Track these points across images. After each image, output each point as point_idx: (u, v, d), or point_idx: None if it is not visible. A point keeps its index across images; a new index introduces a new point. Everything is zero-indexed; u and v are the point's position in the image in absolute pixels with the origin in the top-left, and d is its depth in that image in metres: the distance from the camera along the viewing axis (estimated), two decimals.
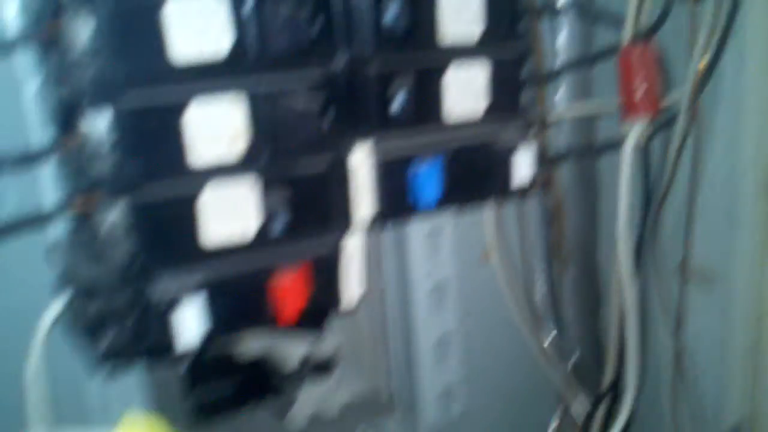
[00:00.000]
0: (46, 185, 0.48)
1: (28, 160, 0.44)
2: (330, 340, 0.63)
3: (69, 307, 0.46)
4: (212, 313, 0.43)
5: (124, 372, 0.47)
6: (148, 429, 0.40)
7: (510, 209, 0.69)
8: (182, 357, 0.47)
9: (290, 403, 0.63)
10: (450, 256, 0.64)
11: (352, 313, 0.50)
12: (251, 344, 0.62)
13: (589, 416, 0.73)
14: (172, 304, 0.42)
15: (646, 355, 0.66)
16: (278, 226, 0.44)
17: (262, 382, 0.64)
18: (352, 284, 0.48)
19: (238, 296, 0.44)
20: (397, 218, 0.52)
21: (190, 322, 0.43)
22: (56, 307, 0.46)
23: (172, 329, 0.42)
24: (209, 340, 0.44)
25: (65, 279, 0.46)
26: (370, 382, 0.69)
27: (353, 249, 0.47)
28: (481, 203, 0.60)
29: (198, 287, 0.43)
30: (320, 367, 0.64)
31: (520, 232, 0.70)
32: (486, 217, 0.66)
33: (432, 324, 0.64)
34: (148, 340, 0.43)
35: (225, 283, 0.44)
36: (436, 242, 0.63)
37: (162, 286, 0.42)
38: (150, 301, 0.42)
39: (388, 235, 0.56)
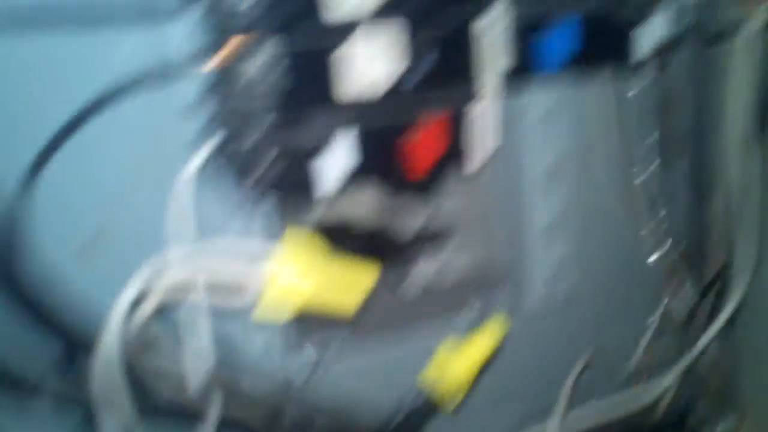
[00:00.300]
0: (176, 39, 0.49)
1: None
2: (446, 213, 0.65)
3: (213, 157, 0.49)
4: (350, 161, 0.45)
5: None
6: (308, 244, 0.42)
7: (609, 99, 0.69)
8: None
9: (405, 273, 0.65)
10: (563, 138, 0.64)
11: (478, 173, 0.51)
12: (370, 212, 0.64)
13: (695, 307, 0.73)
14: (314, 149, 0.44)
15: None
16: (417, 77, 0.45)
17: (379, 251, 0.66)
18: (482, 142, 0.49)
19: (374, 146, 0.46)
20: (525, 78, 0.53)
21: (330, 168, 0.45)
22: (199, 158, 0.49)
23: (314, 173, 0.44)
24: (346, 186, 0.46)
25: (208, 130, 0.49)
26: (482, 258, 0.71)
27: (485, 107, 0.48)
28: (605, 71, 0.60)
29: (338, 134, 0.44)
30: (435, 240, 0.66)
31: (631, 116, 0.70)
32: (600, 99, 0.66)
33: (543, 204, 0.65)
34: (289, 183, 0.45)
35: (363, 131, 0.45)
36: (552, 122, 0.63)
37: (306, 132, 0.44)
38: (293, 145, 0.44)
39: (506, 109, 0.57)
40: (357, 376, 0.64)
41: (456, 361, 0.49)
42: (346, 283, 0.42)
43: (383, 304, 0.65)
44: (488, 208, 0.67)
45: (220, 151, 0.46)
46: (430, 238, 0.65)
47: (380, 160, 0.46)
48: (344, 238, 0.67)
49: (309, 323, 0.60)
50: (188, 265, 0.41)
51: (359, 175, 0.45)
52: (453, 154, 0.48)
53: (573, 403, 0.69)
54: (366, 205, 0.64)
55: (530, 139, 0.63)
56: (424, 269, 0.65)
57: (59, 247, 0.50)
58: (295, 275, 0.41)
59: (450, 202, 0.65)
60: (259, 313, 0.41)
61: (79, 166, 0.50)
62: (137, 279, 0.41)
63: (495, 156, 0.62)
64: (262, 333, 0.58)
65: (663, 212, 0.74)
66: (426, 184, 0.48)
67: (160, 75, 0.46)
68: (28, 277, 0.45)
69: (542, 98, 0.62)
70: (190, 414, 0.51)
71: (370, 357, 0.65)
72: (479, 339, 0.50)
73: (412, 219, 0.63)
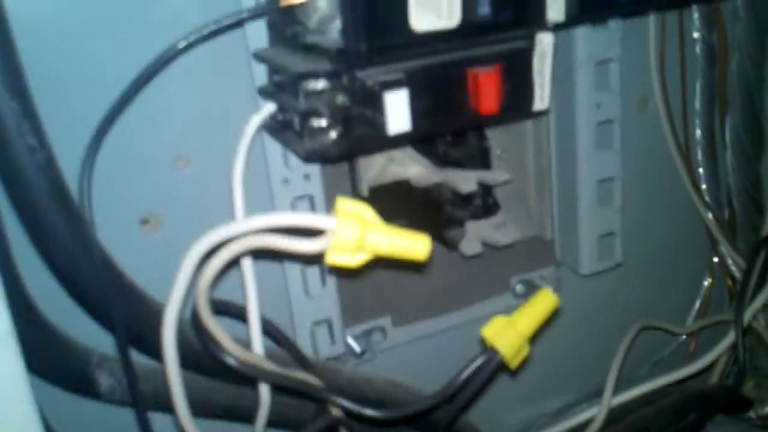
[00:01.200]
0: None
1: None
2: (500, 174, 0.64)
3: (277, 108, 0.48)
4: (418, 100, 0.45)
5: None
6: (361, 209, 0.41)
7: (673, 48, 0.68)
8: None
9: (461, 233, 0.65)
10: (614, 97, 0.63)
11: (543, 113, 0.50)
12: (426, 174, 0.64)
13: (749, 266, 0.72)
14: (383, 87, 0.43)
15: None
16: (483, 11, 0.44)
17: (436, 211, 0.66)
18: (543, 83, 0.48)
19: (440, 86, 0.45)
20: (588, 16, 0.52)
21: (399, 107, 0.44)
22: (263, 111, 0.49)
23: (384, 112, 0.44)
24: (417, 129, 0.45)
25: (273, 78, 0.49)
26: (533, 222, 0.70)
27: (547, 46, 0.48)
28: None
29: (403, 74, 0.44)
30: (489, 202, 0.66)
31: (682, 74, 0.69)
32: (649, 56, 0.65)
33: (595, 164, 0.64)
34: (361, 120, 0.44)
35: (429, 69, 0.44)
36: (603, 76, 0.62)
37: (371, 72, 0.43)
38: (363, 83, 0.43)
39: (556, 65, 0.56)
40: (409, 356, 0.63)
41: (515, 320, 0.48)
42: (408, 237, 0.41)
43: (431, 286, 0.65)
44: (543, 166, 0.66)
45: (286, 98, 0.45)
46: (484, 200, 0.65)
47: (452, 94, 0.45)
48: (401, 198, 0.67)
49: (356, 310, 0.60)
50: (255, 222, 0.41)
51: (430, 111, 0.44)
52: (517, 92, 0.46)
53: (626, 368, 0.68)
54: (422, 164, 0.63)
55: (584, 89, 0.61)
56: (481, 228, 0.64)
57: (123, 219, 0.51)
58: (361, 224, 0.40)
59: (505, 160, 0.65)
60: (332, 259, 0.40)
61: (137, 131, 0.49)
62: (205, 238, 0.41)
63: (553, 106, 0.62)
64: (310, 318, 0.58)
65: (717, 169, 0.73)
66: (498, 119, 0.47)
67: (225, 23, 0.45)
68: (88, 266, 0.44)
69: (599, 42, 0.61)
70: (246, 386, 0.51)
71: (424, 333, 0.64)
72: (537, 300, 0.49)
73: (468, 178, 0.62)
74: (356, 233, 0.40)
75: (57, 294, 0.47)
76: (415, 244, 0.41)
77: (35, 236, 0.44)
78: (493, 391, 0.66)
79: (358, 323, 0.61)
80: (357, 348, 0.61)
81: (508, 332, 0.48)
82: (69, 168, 0.44)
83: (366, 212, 0.41)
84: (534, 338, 0.50)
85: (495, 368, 0.48)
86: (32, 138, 0.41)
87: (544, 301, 0.49)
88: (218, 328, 0.45)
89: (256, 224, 0.40)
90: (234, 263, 0.47)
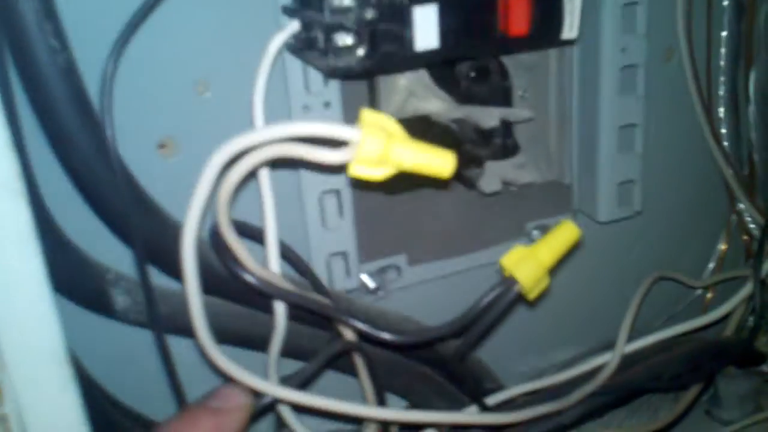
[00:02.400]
0: None
1: None
2: (523, 111, 0.64)
3: (301, 27, 0.48)
4: (447, 17, 0.44)
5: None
6: (386, 122, 0.41)
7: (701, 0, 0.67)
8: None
9: (480, 172, 0.64)
10: (640, 41, 0.62)
11: (571, 42, 0.49)
12: (447, 109, 0.63)
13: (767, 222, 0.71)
14: (411, 3, 0.43)
15: None
16: None
17: (455, 146, 0.65)
18: (573, 10, 0.48)
19: (469, 4, 0.45)
20: None
21: (427, 24, 0.44)
22: (287, 30, 0.48)
23: (412, 29, 0.43)
24: (444, 47, 0.44)
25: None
26: (552, 166, 0.69)
27: None
28: None
29: None
30: (510, 143, 0.65)
31: (708, 25, 0.68)
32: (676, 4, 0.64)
33: (617, 109, 0.63)
34: (388, 36, 0.43)
35: None
36: (630, 19, 0.61)
37: None
38: (390, 0, 0.42)
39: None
40: (422, 296, 0.63)
41: (536, 250, 0.47)
42: (433, 152, 0.40)
43: (447, 227, 0.64)
44: (564, 108, 0.66)
45: (311, 14, 0.45)
46: (506, 137, 0.64)
47: (481, 13, 0.44)
48: (420, 134, 0.66)
49: (371, 246, 0.59)
50: (277, 132, 0.40)
51: (458, 30, 0.43)
52: (552, 14, 0.46)
53: (640, 320, 0.68)
54: (444, 100, 0.63)
55: (610, 32, 0.60)
56: (501, 167, 0.64)
57: (140, 142, 0.50)
58: (386, 137, 0.39)
59: (527, 101, 0.64)
60: (356, 171, 0.39)
61: (155, 52, 0.49)
62: (226, 146, 0.40)
63: (577, 48, 0.61)
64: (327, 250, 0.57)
65: (739, 123, 0.72)
66: (526, 42, 0.46)
67: None
68: (108, 175, 0.44)
69: None
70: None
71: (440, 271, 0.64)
72: (558, 231, 0.48)
73: (489, 115, 0.62)
74: (381, 145, 0.39)
75: (74, 208, 0.46)
76: (439, 160, 0.41)
77: (54, 142, 0.43)
78: (504, 337, 0.66)
79: (373, 260, 0.60)
80: (371, 284, 0.60)
81: (527, 262, 0.48)
82: (86, 82, 0.43)
83: (391, 125, 0.40)
84: (553, 271, 0.50)
85: (513, 298, 0.48)
86: (54, 39, 0.41)
87: (566, 233, 0.49)
88: (238, 243, 0.45)
89: (278, 132, 0.40)
90: (251, 189, 0.47)
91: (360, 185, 0.50)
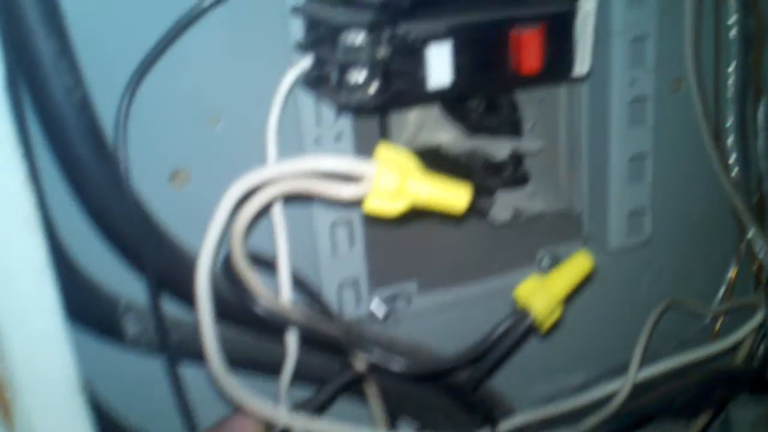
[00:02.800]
0: None
1: None
2: (534, 143, 0.64)
3: (314, 63, 0.48)
4: (460, 55, 0.44)
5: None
6: (401, 156, 0.41)
7: (708, 30, 0.67)
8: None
9: (491, 202, 0.65)
10: (649, 74, 0.63)
11: (583, 79, 0.50)
12: (457, 141, 0.64)
13: None
14: (424, 42, 0.43)
15: None
16: None
17: (466, 177, 0.65)
18: (585, 47, 0.48)
19: (482, 43, 0.45)
20: None
21: (440, 62, 0.44)
22: (300, 65, 0.49)
23: (425, 67, 0.44)
24: (456, 85, 0.45)
25: (310, 32, 0.49)
26: (563, 195, 0.70)
27: (590, 10, 0.47)
28: None
29: (446, 29, 0.44)
30: (520, 172, 0.66)
31: (717, 57, 0.69)
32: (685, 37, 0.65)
33: (627, 140, 0.63)
34: (401, 74, 0.44)
35: (473, 26, 0.44)
36: (639, 53, 0.62)
37: (414, 26, 0.43)
38: (405, 36, 0.43)
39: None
40: (433, 323, 0.63)
41: (549, 281, 0.47)
42: (448, 187, 0.41)
43: (458, 254, 0.65)
44: (574, 139, 0.66)
45: (324, 51, 0.45)
46: (516, 167, 0.65)
47: (494, 52, 0.45)
48: (431, 166, 0.67)
49: (382, 273, 0.60)
50: (292, 167, 0.40)
51: (471, 68, 0.44)
52: (564, 51, 0.46)
53: (650, 349, 0.68)
54: (454, 132, 0.63)
55: (619, 65, 0.61)
56: (512, 197, 0.64)
57: (152, 173, 0.50)
58: (401, 171, 0.40)
59: (537, 133, 0.65)
60: (371, 206, 0.40)
61: (169, 85, 0.49)
62: (242, 180, 0.41)
63: (587, 81, 0.61)
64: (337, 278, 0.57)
65: (748, 154, 0.72)
66: (538, 80, 0.47)
67: None
68: (121, 206, 0.44)
69: (635, 16, 0.60)
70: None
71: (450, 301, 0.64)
72: (572, 262, 0.48)
73: (500, 147, 0.62)
74: (397, 179, 0.40)
75: (86, 238, 0.47)
76: (455, 194, 0.41)
77: (69, 175, 0.44)
78: (516, 363, 0.66)
79: (384, 287, 0.61)
80: (381, 311, 0.60)
81: (541, 293, 0.48)
82: (101, 115, 0.44)
83: (407, 159, 0.41)
84: (567, 301, 0.50)
85: (526, 329, 0.48)
86: (69, 77, 0.41)
87: (579, 264, 0.49)
88: (251, 274, 0.45)
89: (293, 167, 0.40)
90: (263, 215, 0.47)
91: (372, 219, 0.51)
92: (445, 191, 0.41)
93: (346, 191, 0.40)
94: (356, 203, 0.41)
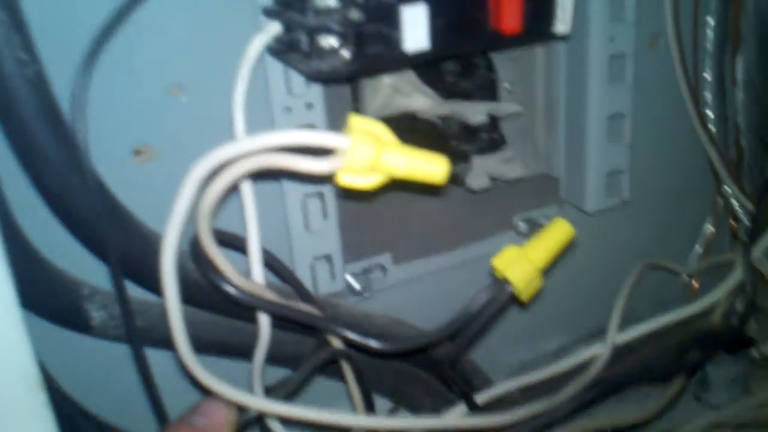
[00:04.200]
0: None
1: None
2: (510, 105, 0.62)
3: (283, 29, 0.45)
4: (437, 16, 0.42)
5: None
6: (375, 127, 0.39)
7: None
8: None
9: (466, 168, 0.63)
10: (629, 29, 0.60)
11: (564, 38, 0.48)
12: (433, 105, 0.61)
13: (756, 208, 0.70)
14: (399, 1, 0.41)
15: None
16: None
17: (442, 143, 0.63)
18: (565, 5, 0.46)
19: (459, 2, 0.43)
20: None
21: (416, 24, 0.41)
22: (268, 31, 0.46)
23: (400, 29, 0.41)
24: (434, 47, 0.42)
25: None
26: (540, 160, 0.68)
27: None
28: None
29: None
30: (496, 137, 0.64)
31: (695, 10, 0.67)
32: None
33: (605, 98, 0.61)
34: (375, 38, 0.41)
35: None
36: (618, 7, 0.60)
37: None
38: None
39: None
40: (409, 295, 0.62)
41: (528, 250, 0.46)
42: (425, 159, 0.38)
43: (433, 224, 0.63)
44: (552, 100, 0.64)
45: (294, 15, 0.42)
46: (492, 132, 0.63)
47: (472, 11, 0.42)
48: (405, 132, 0.64)
49: (356, 247, 0.58)
50: (261, 141, 0.38)
51: (448, 29, 0.41)
52: (544, 9, 0.44)
53: (628, 309, 0.67)
54: (429, 96, 0.61)
55: (598, 20, 0.59)
56: (488, 163, 0.62)
57: (114, 150, 0.48)
58: (376, 144, 0.37)
59: (514, 94, 0.62)
60: (345, 180, 0.37)
61: (129, 56, 0.46)
62: (209, 156, 0.38)
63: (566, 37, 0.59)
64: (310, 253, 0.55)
65: (726, 108, 0.71)
66: (518, 39, 0.45)
67: None
68: (80, 187, 0.42)
69: None
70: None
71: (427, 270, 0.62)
72: (551, 230, 0.47)
73: (476, 110, 0.60)
74: (371, 152, 0.37)
75: (45, 223, 0.44)
76: (432, 166, 0.39)
77: (24, 156, 0.41)
78: (494, 331, 0.65)
79: (358, 260, 0.59)
80: (356, 285, 0.58)
81: (520, 263, 0.46)
82: (58, 91, 0.41)
83: (381, 131, 0.38)
84: (547, 271, 0.48)
85: (506, 300, 0.46)
86: (22, 51, 0.38)
87: (559, 231, 0.47)
88: (219, 255, 0.43)
89: (262, 142, 0.38)
90: (232, 194, 0.45)
91: (345, 191, 0.48)
92: (422, 163, 0.38)
93: (319, 166, 0.37)
94: (329, 177, 0.39)
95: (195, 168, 0.38)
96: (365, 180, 0.38)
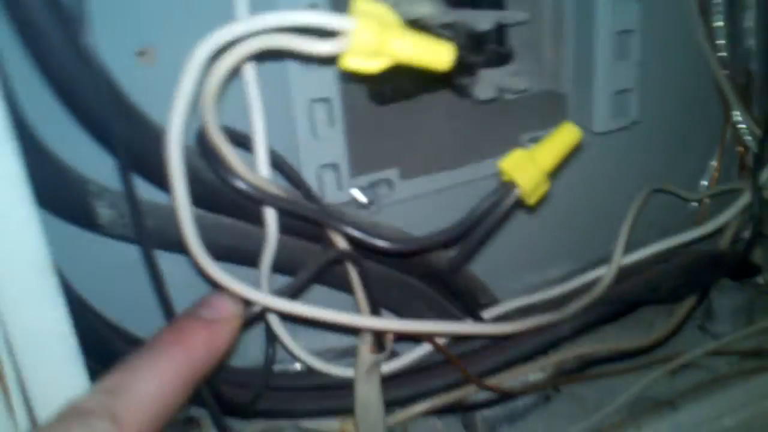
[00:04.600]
0: None
1: None
2: (517, 13, 0.61)
3: None
4: None
5: None
6: (381, 10, 0.39)
7: None
8: None
9: (473, 81, 0.62)
10: None
11: None
12: (438, 12, 0.61)
13: (764, 132, 0.70)
14: None
15: None
16: None
17: None
18: None
19: None
20: None
21: None
22: None
23: None
24: None
25: None
26: (547, 75, 0.67)
27: None
28: None
29: None
30: (503, 50, 0.63)
31: None
32: None
33: (614, 13, 0.61)
34: None
35: None
36: None
37: None
38: None
39: None
40: (415, 210, 0.62)
41: (535, 153, 0.46)
42: (431, 44, 0.38)
43: (440, 140, 0.63)
44: (559, 13, 0.63)
45: None
46: (500, 43, 0.62)
47: None
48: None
49: (363, 160, 0.57)
50: (264, 22, 0.38)
51: None
52: None
53: (635, 234, 0.67)
54: (435, 3, 0.60)
55: None
56: (495, 76, 0.62)
57: (119, 46, 0.47)
58: (381, 26, 0.37)
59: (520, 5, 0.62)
60: (349, 63, 0.37)
61: None
62: (210, 40, 0.38)
63: None
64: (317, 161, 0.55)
65: (737, 30, 0.70)
66: None
67: None
68: (87, 78, 0.41)
69: None
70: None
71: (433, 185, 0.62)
72: (558, 133, 0.46)
73: (483, 17, 0.59)
74: (376, 35, 0.37)
75: (54, 116, 0.44)
76: (438, 51, 0.38)
77: (30, 43, 0.41)
78: (499, 254, 0.65)
79: (365, 174, 0.59)
80: (363, 198, 0.58)
81: (527, 165, 0.46)
82: None
83: (386, 13, 0.38)
84: (551, 187, 0.48)
85: (513, 202, 0.47)
86: None
87: (566, 135, 0.47)
88: (227, 147, 0.43)
89: (265, 22, 0.38)
90: (236, 91, 0.45)
91: (351, 80, 0.48)
92: (429, 46, 0.38)
93: (323, 47, 0.37)
94: (333, 71, 0.38)
95: (198, 49, 0.38)
96: (370, 64, 0.38)
